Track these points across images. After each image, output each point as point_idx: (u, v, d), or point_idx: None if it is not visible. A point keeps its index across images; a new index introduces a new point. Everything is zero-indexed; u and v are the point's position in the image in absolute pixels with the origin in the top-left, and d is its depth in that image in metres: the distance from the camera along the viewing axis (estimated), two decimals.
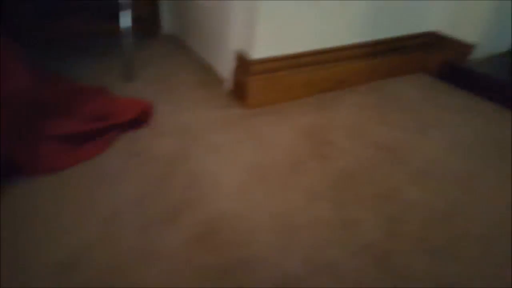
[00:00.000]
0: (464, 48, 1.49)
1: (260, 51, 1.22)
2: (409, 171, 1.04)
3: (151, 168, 0.97)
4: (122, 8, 1.27)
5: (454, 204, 0.94)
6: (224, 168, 0.99)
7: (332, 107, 1.32)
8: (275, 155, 1.05)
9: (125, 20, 1.29)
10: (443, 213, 0.91)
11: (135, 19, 1.33)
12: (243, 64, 1.26)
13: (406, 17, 1.47)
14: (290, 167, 1.02)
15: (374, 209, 0.91)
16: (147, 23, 1.76)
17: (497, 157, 1.12)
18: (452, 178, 1.03)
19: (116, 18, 1.30)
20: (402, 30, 1.50)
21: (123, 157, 0.99)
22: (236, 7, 1.22)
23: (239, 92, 1.30)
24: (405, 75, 1.58)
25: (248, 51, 1.22)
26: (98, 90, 1.16)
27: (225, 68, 1.36)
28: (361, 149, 1.12)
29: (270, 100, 1.30)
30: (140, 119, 1.08)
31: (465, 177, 1.03)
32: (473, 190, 0.99)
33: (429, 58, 1.58)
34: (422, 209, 0.92)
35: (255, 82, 1.24)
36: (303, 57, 1.31)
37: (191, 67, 1.51)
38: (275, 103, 1.31)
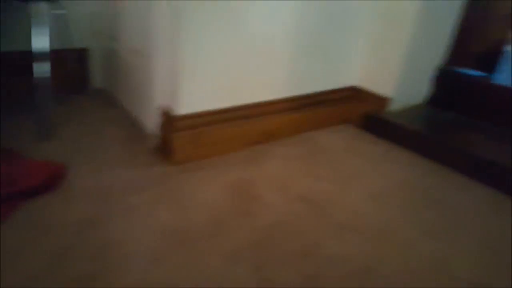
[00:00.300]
0: (381, 101, 1.59)
1: (185, 106, 1.22)
2: (330, 225, 1.05)
3: (54, 239, 0.89)
4: (36, 59, 1.23)
5: (373, 257, 0.95)
6: (139, 234, 0.94)
7: (260, 160, 1.33)
8: (197, 215, 1.02)
9: (40, 72, 1.24)
10: (361, 267, 0.92)
11: (62, 74, 1.29)
12: (168, 120, 1.25)
13: (328, 74, 1.56)
14: (211, 228, 0.99)
15: (293, 267, 0.89)
16: (75, 78, 1.72)
17: (414, 205, 1.17)
18: (371, 230, 1.05)
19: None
20: (325, 85, 1.59)
21: (24, 228, 0.91)
22: (160, 62, 1.23)
23: (165, 149, 1.28)
24: (331, 126, 1.66)
25: (173, 106, 1.22)
26: (3, 152, 1.08)
27: (152, 123, 1.34)
28: (286, 203, 1.12)
29: (197, 155, 1.28)
30: (49, 183, 1.01)
31: (383, 229, 1.06)
32: (391, 242, 1.01)
33: (352, 110, 1.67)
34: (342, 265, 0.92)
35: (181, 138, 1.23)
36: (230, 111, 1.32)
37: (118, 123, 1.48)
38: (203, 158, 1.30)
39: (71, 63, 1.67)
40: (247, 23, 1.24)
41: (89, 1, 1.66)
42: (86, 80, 1.76)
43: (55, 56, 1.26)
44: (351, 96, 1.68)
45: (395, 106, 1.61)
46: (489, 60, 1.63)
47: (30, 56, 1.23)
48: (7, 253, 0.83)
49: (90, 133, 1.37)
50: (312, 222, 1.06)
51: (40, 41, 1.22)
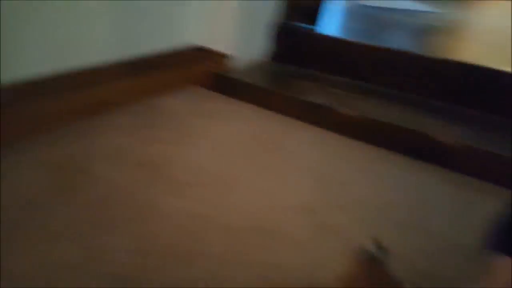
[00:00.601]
0: (223, 59, 1.62)
1: None
2: (170, 184, 1.05)
3: None
4: None
5: (214, 208, 0.98)
6: None
7: (92, 134, 1.23)
8: (11, 201, 0.90)
9: None
10: (200, 219, 0.93)
11: None
12: None
13: (165, 33, 1.51)
14: (28, 207, 0.88)
15: (127, 232, 0.86)
16: None
17: (257, 155, 1.24)
18: (214, 184, 1.08)
19: None
20: (163, 45, 1.53)
21: None
22: None
23: None
24: (176, 90, 1.62)
25: None
26: None
27: None
28: (120, 172, 1.06)
29: (20, 133, 1.12)
30: None
31: (227, 180, 1.10)
32: (234, 191, 1.05)
33: (196, 71, 1.66)
34: (179, 218, 0.92)
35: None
36: (51, 81, 1.18)
37: None
38: (24, 136, 1.14)
39: None
40: None
41: None
42: None
43: None
44: (193, 56, 1.66)
45: (239, 63, 1.65)
46: (316, 13, 1.78)
47: None
48: None
49: None
50: (150, 185, 1.03)
51: None
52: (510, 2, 2.60)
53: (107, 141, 1.19)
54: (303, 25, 1.78)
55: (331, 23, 1.93)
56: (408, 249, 0.88)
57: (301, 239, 0.90)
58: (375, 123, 1.30)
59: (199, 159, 1.18)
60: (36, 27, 1.10)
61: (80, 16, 1.20)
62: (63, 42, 1.18)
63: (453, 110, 1.41)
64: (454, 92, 1.44)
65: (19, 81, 1.11)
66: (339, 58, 1.66)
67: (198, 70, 1.66)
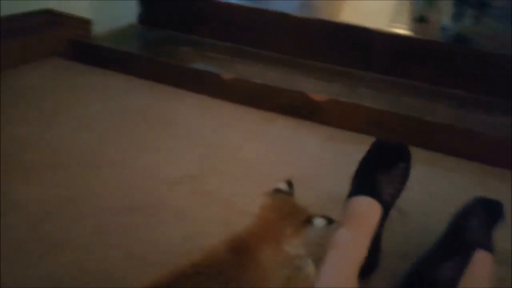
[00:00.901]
0: (83, 24, 1.44)
1: None
2: (22, 170, 0.90)
3: None
4: None
5: (75, 187, 0.88)
6: None
7: None
8: None
9: None
10: (67, 204, 0.83)
11: None
12: None
13: None
14: None
15: None
16: None
17: (125, 126, 1.14)
18: (82, 165, 0.96)
19: None
20: (10, 9, 1.29)
21: None
22: None
23: None
24: (31, 62, 1.39)
25: None
26: None
27: None
28: None
29: None
30: None
31: (99, 160, 0.99)
32: (108, 170, 0.95)
33: (52, 38, 1.44)
34: (35, 206, 0.81)
35: None
36: None
37: None
38: None
39: None
40: None
41: None
42: None
43: None
44: (48, 21, 1.44)
45: (102, 28, 1.48)
46: None
47: None
48: None
49: None
50: (3, 170, 0.88)
51: None
52: None
53: None
54: None
55: None
56: None
57: (185, 209, 0.86)
58: (256, 86, 1.30)
59: (64, 139, 1.04)
60: None
61: None
62: None
63: (325, 68, 1.49)
64: (326, 51, 1.51)
65: None
66: (218, 20, 1.60)
67: (55, 37, 1.44)
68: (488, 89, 1.35)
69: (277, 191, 0.61)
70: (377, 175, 0.70)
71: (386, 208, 0.69)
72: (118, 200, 0.86)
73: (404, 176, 0.74)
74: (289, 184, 0.63)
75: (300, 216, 0.56)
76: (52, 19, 1.44)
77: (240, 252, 0.54)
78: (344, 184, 0.79)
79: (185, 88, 1.39)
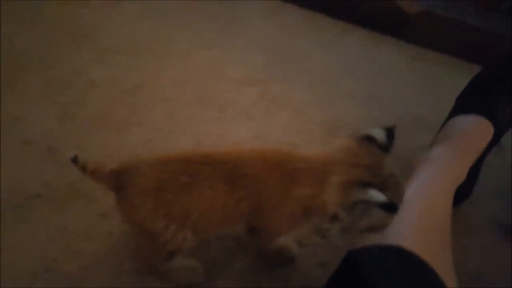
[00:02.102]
0: None
1: None
2: (95, 50, 0.89)
3: None
4: None
5: (143, 74, 0.87)
6: None
7: None
8: None
9: None
10: (130, 87, 0.82)
11: None
12: None
13: None
14: None
15: (48, 100, 0.75)
16: None
17: (194, 22, 1.07)
18: (144, 51, 0.94)
19: None
20: None
21: None
22: None
23: None
24: None
25: None
26: None
27: None
28: (36, 35, 0.89)
29: None
30: None
31: (166, 50, 0.95)
32: (166, 55, 0.93)
33: None
34: (106, 88, 0.81)
35: None
36: None
37: None
38: None
39: None
40: None
41: None
42: None
43: None
44: None
45: None
46: None
47: None
48: None
49: None
50: (73, 50, 0.88)
51: None
52: None
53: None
54: None
55: None
56: (364, 123, 0.85)
57: (253, 111, 0.83)
58: None
59: (133, 25, 1.01)
60: None
61: None
62: None
63: None
64: None
65: None
66: None
67: None
68: None
69: (369, 139, 0.49)
70: (495, 95, 0.60)
71: (500, 131, 0.60)
72: (186, 92, 0.84)
73: None
74: (389, 134, 0.50)
75: (376, 177, 0.46)
76: None
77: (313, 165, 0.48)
78: (431, 108, 0.70)
79: None
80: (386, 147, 0.49)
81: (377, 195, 0.43)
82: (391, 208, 0.43)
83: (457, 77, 1.02)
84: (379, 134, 0.49)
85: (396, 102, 0.91)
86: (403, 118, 0.86)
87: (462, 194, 0.60)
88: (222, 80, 0.90)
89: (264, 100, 0.87)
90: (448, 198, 0.51)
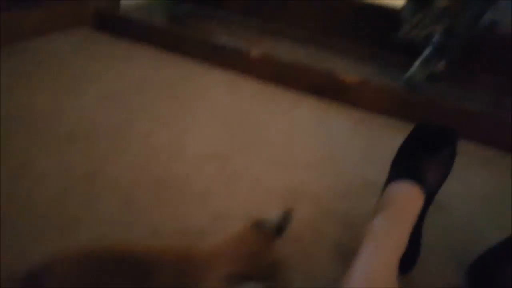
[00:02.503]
0: None
1: None
2: (49, 138, 0.89)
3: None
4: None
5: (99, 160, 0.87)
6: None
7: None
8: None
9: None
10: (83, 176, 0.81)
11: None
12: None
13: None
14: None
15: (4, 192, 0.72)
16: None
17: (152, 99, 1.11)
18: (101, 136, 0.94)
19: None
20: None
21: None
22: None
23: None
24: (58, 30, 1.38)
25: None
26: None
27: None
28: None
29: None
30: None
31: (122, 132, 0.97)
32: (124, 139, 0.94)
33: (81, 8, 1.42)
34: (57, 179, 0.79)
35: None
36: None
37: None
38: None
39: None
40: None
41: None
42: None
43: None
44: None
45: (131, 1, 1.44)
46: None
47: None
48: None
49: None
50: (25, 140, 0.87)
51: None
52: None
53: None
54: None
55: None
56: (320, 189, 0.88)
57: (211, 188, 0.84)
58: (285, 64, 1.25)
59: (88, 109, 1.03)
60: None
61: None
62: None
63: (356, 48, 1.42)
64: (358, 31, 1.44)
65: None
66: None
67: (84, 7, 1.42)
68: None
69: (262, 225, 0.50)
70: (421, 159, 0.65)
71: (430, 195, 0.64)
72: (144, 177, 0.84)
73: (451, 161, 0.69)
74: (286, 217, 0.51)
75: (256, 267, 0.47)
76: None
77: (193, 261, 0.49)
78: (378, 171, 0.75)
79: (211, 64, 1.35)
80: (278, 231, 0.50)
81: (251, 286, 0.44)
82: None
83: (399, 138, 1.10)
84: (276, 218, 0.50)
85: (346, 167, 0.95)
86: (354, 182, 0.89)
87: (408, 261, 0.62)
88: (182, 159, 0.91)
89: (224, 175, 0.88)
90: (391, 270, 0.52)
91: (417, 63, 1.18)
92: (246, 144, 0.99)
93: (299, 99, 1.23)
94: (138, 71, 1.24)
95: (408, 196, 0.62)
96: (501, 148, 1.10)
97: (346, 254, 0.62)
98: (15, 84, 1.07)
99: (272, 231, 0.50)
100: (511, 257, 0.60)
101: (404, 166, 0.66)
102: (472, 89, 1.24)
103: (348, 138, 1.08)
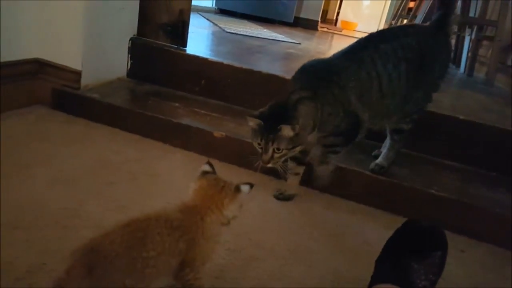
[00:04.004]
0: (71, 75, 1.40)
1: None
2: None
3: None
4: None
5: (44, 253, 0.78)
6: None
7: None
8: None
9: None
10: (25, 272, 0.72)
11: None
12: None
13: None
14: None
15: None
16: None
17: (106, 182, 1.06)
18: (49, 223, 0.87)
19: None
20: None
21: None
22: None
23: None
24: (13, 109, 1.33)
25: None
26: None
27: None
28: None
29: None
30: None
31: (71, 218, 0.89)
32: (69, 227, 0.86)
33: (38, 87, 1.40)
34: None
35: None
36: None
37: None
38: None
39: None
40: None
41: None
42: None
43: None
44: (35, 70, 1.40)
45: (90, 80, 1.45)
46: (178, 31, 1.69)
47: None
48: None
49: None
50: None
51: None
52: None
53: None
54: (166, 44, 1.68)
55: (197, 45, 1.88)
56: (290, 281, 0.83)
57: None
58: (248, 145, 1.25)
59: (37, 195, 0.95)
60: None
61: None
62: None
63: None
64: None
65: None
66: (208, 78, 1.60)
67: (40, 86, 1.40)
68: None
69: (205, 172, 0.72)
70: (410, 263, 0.62)
71: None
72: None
73: (440, 267, 0.66)
74: (210, 165, 0.74)
75: (231, 186, 0.69)
76: (40, 68, 1.41)
77: (191, 213, 0.66)
78: (347, 263, 0.70)
79: (172, 144, 1.34)
80: (214, 172, 0.73)
81: (246, 187, 0.70)
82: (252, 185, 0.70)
83: (367, 224, 1.11)
84: (207, 167, 0.73)
85: (316, 258, 0.92)
86: (325, 277, 0.86)
87: None
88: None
89: None
90: None
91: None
92: None
93: (265, 181, 1.22)
94: (95, 153, 1.20)
95: None
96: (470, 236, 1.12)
97: None
98: None
99: (213, 171, 0.73)
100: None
101: (391, 267, 0.64)
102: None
103: (316, 225, 1.06)
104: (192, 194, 0.70)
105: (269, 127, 0.94)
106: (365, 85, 1.04)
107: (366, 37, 1.11)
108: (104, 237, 0.58)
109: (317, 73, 1.04)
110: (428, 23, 1.22)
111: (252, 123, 0.98)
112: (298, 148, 0.98)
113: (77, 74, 1.40)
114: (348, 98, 1.03)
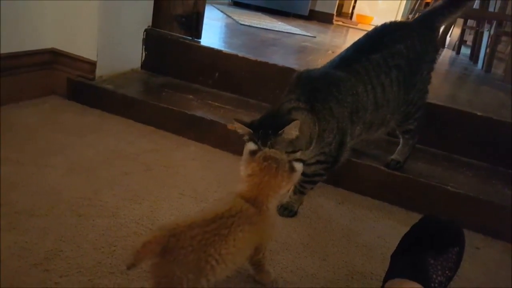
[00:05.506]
0: (86, 65, 1.41)
1: None
2: (7, 214, 0.82)
3: None
4: None
5: (61, 239, 0.79)
6: None
7: None
8: None
9: None
10: (42, 257, 0.74)
11: None
12: None
13: (15, 32, 1.24)
14: None
15: None
16: None
17: (122, 172, 1.07)
18: (65, 211, 0.88)
19: None
20: (14, 46, 1.26)
21: None
22: None
23: None
24: (29, 99, 1.35)
25: None
26: None
27: None
28: None
29: None
30: None
31: (87, 207, 0.90)
32: (85, 216, 0.87)
33: (53, 77, 1.42)
34: (13, 261, 0.71)
35: None
36: None
37: None
38: None
39: None
40: None
41: None
42: None
43: None
44: (51, 60, 1.41)
45: (104, 71, 1.46)
46: (192, 23, 1.69)
47: None
48: None
49: None
50: None
51: None
52: None
53: None
54: (180, 35, 1.68)
55: (211, 37, 1.88)
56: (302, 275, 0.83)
57: None
58: None
59: (52, 182, 0.96)
60: None
61: None
62: None
63: None
64: None
65: None
66: (221, 71, 1.60)
67: (55, 76, 1.41)
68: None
69: (253, 152, 0.71)
70: (427, 258, 0.61)
71: None
72: (110, 259, 0.77)
73: (457, 263, 0.65)
74: (252, 140, 0.78)
75: (284, 166, 0.68)
76: (55, 58, 1.42)
77: (258, 205, 0.66)
78: (362, 258, 0.68)
79: (186, 136, 1.34)
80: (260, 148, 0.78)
81: (299, 165, 0.70)
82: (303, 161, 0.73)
83: (382, 219, 1.09)
84: (252, 145, 0.76)
85: (330, 252, 0.92)
86: (339, 271, 0.85)
87: None
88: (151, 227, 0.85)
89: None
90: None
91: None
92: None
93: None
94: (109, 143, 1.21)
95: None
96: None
97: None
98: None
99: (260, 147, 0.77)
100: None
101: (407, 262, 0.63)
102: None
103: (330, 220, 1.05)
104: (247, 181, 0.69)
105: (264, 135, 0.85)
106: (362, 100, 1.00)
107: (356, 47, 1.07)
108: (188, 228, 0.58)
109: (314, 84, 0.98)
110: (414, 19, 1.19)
111: (242, 130, 0.89)
112: (298, 154, 0.90)
113: (92, 64, 1.41)
114: (343, 114, 0.97)
